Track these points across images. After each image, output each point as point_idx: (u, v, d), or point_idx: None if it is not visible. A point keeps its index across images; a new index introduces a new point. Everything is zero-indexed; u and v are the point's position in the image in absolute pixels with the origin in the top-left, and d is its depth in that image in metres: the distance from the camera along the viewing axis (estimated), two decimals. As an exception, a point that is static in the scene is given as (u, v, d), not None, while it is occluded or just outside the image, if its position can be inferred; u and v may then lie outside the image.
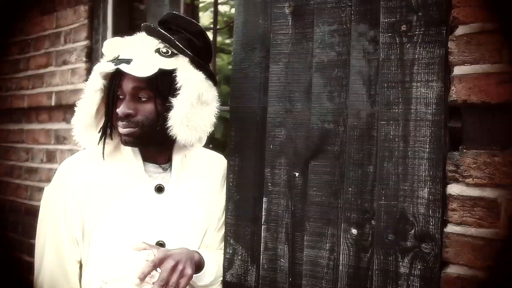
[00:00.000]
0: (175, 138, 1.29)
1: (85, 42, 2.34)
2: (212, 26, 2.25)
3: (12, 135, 2.85)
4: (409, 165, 1.23)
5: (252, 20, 1.55)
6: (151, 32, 1.31)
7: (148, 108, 1.24)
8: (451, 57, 1.18)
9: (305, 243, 1.40)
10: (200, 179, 1.40)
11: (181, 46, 1.30)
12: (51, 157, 2.55)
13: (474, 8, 1.14)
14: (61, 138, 2.49)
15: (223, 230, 1.49)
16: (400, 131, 1.25)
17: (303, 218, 1.41)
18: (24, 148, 2.76)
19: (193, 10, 3.19)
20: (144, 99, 1.25)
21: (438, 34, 1.20)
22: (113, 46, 1.27)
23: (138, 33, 1.33)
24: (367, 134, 1.31)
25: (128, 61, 1.22)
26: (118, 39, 1.31)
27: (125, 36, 1.33)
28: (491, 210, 1.11)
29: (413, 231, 1.22)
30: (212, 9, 2.59)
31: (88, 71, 2.34)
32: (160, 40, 1.29)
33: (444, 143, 1.20)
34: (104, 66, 1.26)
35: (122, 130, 1.25)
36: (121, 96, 1.27)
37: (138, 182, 1.32)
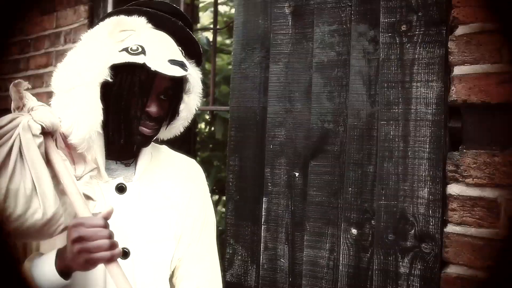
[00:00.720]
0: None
1: (85, 42, 2.34)
2: (212, 26, 2.25)
3: (12, 135, 2.85)
4: (409, 165, 1.23)
5: (252, 20, 1.55)
6: (181, 35, 1.16)
7: (165, 107, 1.15)
8: (451, 57, 1.18)
9: (305, 243, 1.40)
10: (169, 180, 1.23)
11: (201, 51, 1.24)
12: (51, 157, 2.55)
13: (474, 8, 1.14)
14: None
15: (201, 246, 1.25)
16: (400, 131, 1.25)
17: (303, 218, 1.41)
18: (24, 148, 2.75)
19: (193, 10, 3.19)
20: (164, 98, 1.14)
21: (438, 34, 1.20)
22: (121, 29, 1.10)
23: (136, 17, 1.13)
24: (367, 134, 1.31)
25: (183, 65, 1.10)
26: (124, 22, 1.11)
27: (121, 16, 1.12)
28: (491, 210, 1.11)
29: (413, 231, 1.22)
30: (212, 9, 2.59)
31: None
32: (172, 37, 1.15)
33: (444, 143, 1.20)
34: (164, 66, 1.07)
35: (147, 131, 1.11)
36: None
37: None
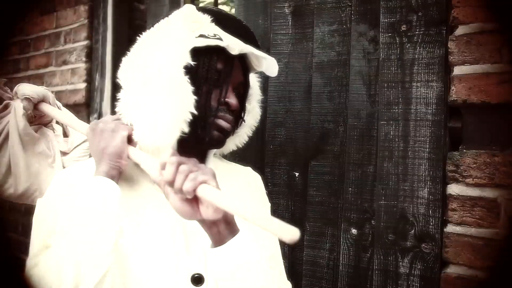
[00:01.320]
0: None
1: (85, 42, 2.34)
2: (212, 26, 2.25)
3: (12, 135, 2.85)
4: (409, 165, 1.23)
5: (252, 20, 1.55)
6: (247, 36, 1.07)
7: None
8: (451, 57, 1.18)
9: (305, 243, 1.40)
10: (236, 193, 1.09)
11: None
12: (51, 157, 2.55)
13: (474, 8, 1.14)
14: (61, 138, 2.48)
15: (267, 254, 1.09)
16: (400, 131, 1.25)
17: (303, 218, 1.41)
18: (24, 148, 2.76)
19: (193, 10, 3.19)
20: (236, 96, 1.04)
21: (438, 34, 1.20)
22: (193, 19, 1.01)
23: (201, 14, 1.03)
24: (367, 134, 1.31)
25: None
26: (195, 14, 1.02)
27: (192, 7, 1.04)
28: (491, 210, 1.11)
29: (413, 231, 1.22)
30: (212, 9, 2.58)
31: (88, 71, 2.34)
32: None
33: (444, 143, 1.20)
34: (248, 48, 1.00)
35: (226, 125, 1.00)
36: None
37: (159, 202, 0.97)
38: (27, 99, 1.13)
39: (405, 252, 1.22)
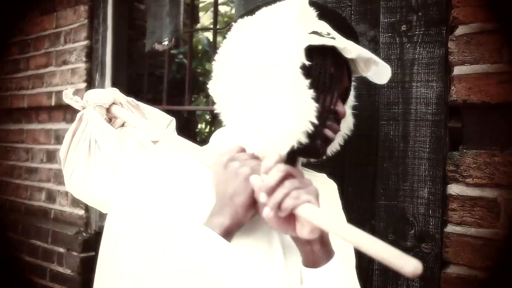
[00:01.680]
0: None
1: (85, 42, 2.34)
2: (212, 26, 2.25)
3: (12, 135, 2.85)
4: (409, 165, 1.23)
5: (252, 20, 1.55)
6: (355, 36, 0.98)
7: None
8: (451, 57, 1.18)
9: (305, 243, 1.40)
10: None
11: None
12: (51, 157, 2.55)
13: (474, 8, 1.14)
14: (61, 138, 2.48)
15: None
16: (400, 131, 1.25)
17: (303, 218, 1.41)
18: (24, 148, 2.76)
19: (193, 10, 3.19)
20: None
21: (438, 34, 1.20)
22: (304, 13, 0.87)
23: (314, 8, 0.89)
24: (367, 134, 1.31)
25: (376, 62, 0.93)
26: (307, 7, 0.88)
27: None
28: (491, 210, 1.11)
29: (413, 231, 1.22)
30: (212, 9, 2.59)
31: (88, 71, 2.34)
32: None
33: (444, 143, 1.20)
34: (368, 53, 0.89)
35: (332, 135, 0.90)
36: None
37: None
38: (99, 106, 1.09)
39: (405, 252, 1.22)
